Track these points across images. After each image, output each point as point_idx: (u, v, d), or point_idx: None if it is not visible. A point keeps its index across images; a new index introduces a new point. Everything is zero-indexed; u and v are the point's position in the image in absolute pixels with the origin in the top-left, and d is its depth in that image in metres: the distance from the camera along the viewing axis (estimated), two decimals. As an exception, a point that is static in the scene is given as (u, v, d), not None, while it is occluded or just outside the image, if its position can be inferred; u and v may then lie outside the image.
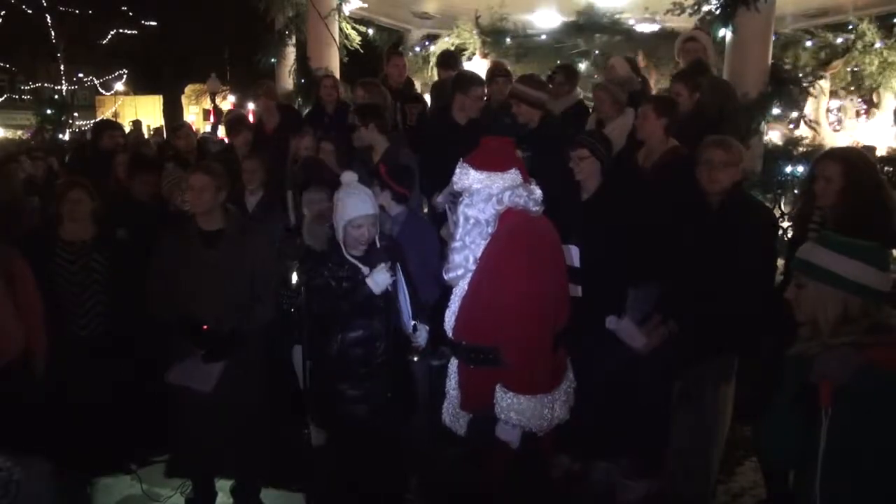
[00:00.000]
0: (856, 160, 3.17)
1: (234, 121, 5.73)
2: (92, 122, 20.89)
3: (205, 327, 3.38)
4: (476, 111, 4.76)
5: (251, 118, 6.48)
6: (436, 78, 6.73)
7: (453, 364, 2.84)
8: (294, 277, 3.64)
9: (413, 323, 3.22)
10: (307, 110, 6.49)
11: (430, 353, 3.42)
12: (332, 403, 3.23)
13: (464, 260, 2.64)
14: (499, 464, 2.69)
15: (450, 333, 2.76)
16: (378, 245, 3.19)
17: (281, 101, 6.43)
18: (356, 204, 3.08)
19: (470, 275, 2.66)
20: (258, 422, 3.61)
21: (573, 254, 3.48)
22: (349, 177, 3.20)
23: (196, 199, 3.45)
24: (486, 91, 5.01)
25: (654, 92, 5.74)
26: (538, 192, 2.67)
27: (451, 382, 2.83)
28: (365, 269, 3.11)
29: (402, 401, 3.28)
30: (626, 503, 3.59)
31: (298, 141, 4.80)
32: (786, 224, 4.70)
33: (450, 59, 6.25)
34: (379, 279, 3.07)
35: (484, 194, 2.60)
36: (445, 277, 2.73)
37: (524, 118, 4.44)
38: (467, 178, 2.63)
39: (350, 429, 3.24)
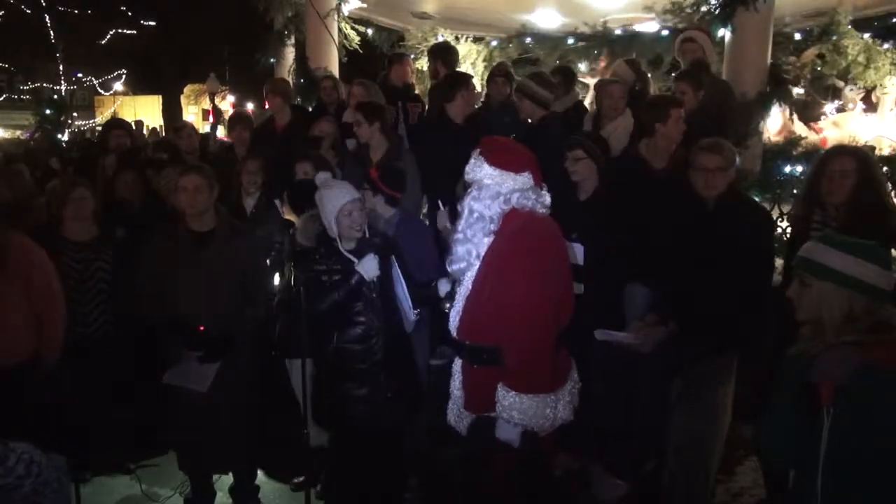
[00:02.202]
0: (868, 157, 3.25)
1: (233, 119, 5.73)
2: (91, 122, 20.90)
3: (201, 328, 3.38)
4: (473, 106, 4.76)
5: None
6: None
7: (457, 364, 2.82)
8: (276, 279, 3.66)
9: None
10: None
11: (431, 353, 3.42)
12: (335, 402, 3.23)
13: (466, 253, 2.63)
14: (500, 464, 2.69)
15: (454, 333, 2.76)
16: (368, 237, 3.22)
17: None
18: (339, 193, 3.15)
19: (472, 269, 2.65)
20: (251, 420, 3.62)
21: (577, 252, 3.48)
22: (324, 176, 3.29)
23: (191, 200, 3.43)
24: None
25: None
26: (548, 198, 2.65)
27: (455, 383, 2.81)
28: (357, 261, 3.14)
29: (405, 398, 3.28)
30: (626, 502, 3.59)
31: (317, 125, 4.82)
32: (784, 224, 4.70)
33: (446, 55, 5.99)
34: (368, 265, 3.10)
35: (493, 191, 2.58)
36: (449, 269, 2.73)
37: (526, 113, 4.42)
38: (480, 170, 2.61)
39: (352, 427, 3.24)
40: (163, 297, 3.41)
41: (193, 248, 3.44)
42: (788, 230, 4.64)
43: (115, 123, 6.12)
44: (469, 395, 2.75)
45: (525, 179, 2.60)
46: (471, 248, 2.62)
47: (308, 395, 3.23)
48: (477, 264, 2.63)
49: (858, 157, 3.17)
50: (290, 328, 3.67)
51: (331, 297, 3.12)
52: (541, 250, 2.58)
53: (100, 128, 17.98)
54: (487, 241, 2.61)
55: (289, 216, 3.69)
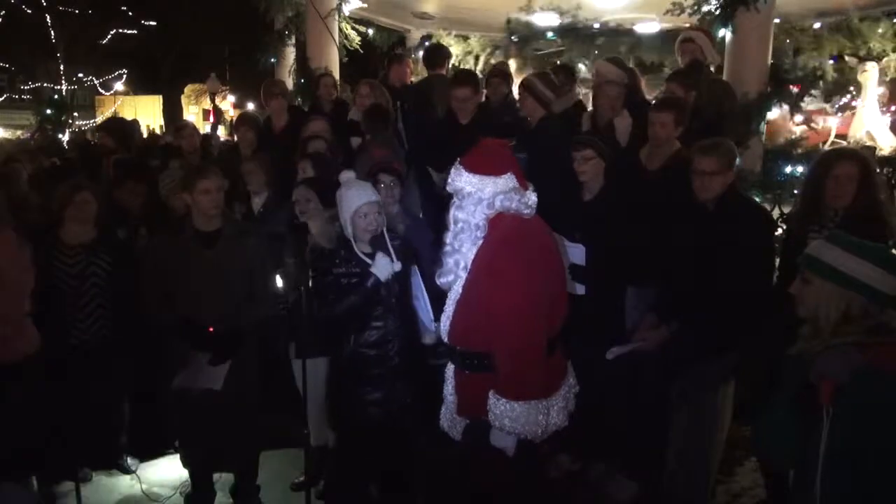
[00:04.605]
0: (869, 160, 3.27)
1: (238, 120, 5.74)
2: (92, 121, 20.88)
3: (210, 329, 3.38)
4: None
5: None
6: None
7: (450, 369, 2.80)
8: (279, 280, 3.65)
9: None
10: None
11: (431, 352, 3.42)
12: (349, 405, 3.21)
13: (454, 264, 2.61)
14: (495, 470, 2.67)
15: (445, 338, 2.73)
16: (388, 242, 3.18)
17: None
18: (357, 194, 3.12)
19: (461, 279, 2.62)
20: (254, 418, 3.62)
21: (580, 252, 3.48)
22: (347, 175, 3.24)
23: (214, 201, 3.44)
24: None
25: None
26: (532, 198, 2.60)
27: (448, 387, 2.79)
28: (372, 262, 3.12)
29: (424, 403, 3.24)
30: (626, 503, 3.59)
31: (312, 125, 4.81)
32: (784, 225, 4.70)
33: (437, 57, 5.93)
34: (381, 265, 3.08)
35: (475, 198, 2.55)
36: (437, 282, 2.71)
37: (526, 111, 4.40)
38: (460, 179, 2.58)
39: (364, 430, 3.22)
40: (170, 297, 3.41)
41: (200, 248, 3.45)
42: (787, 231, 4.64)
43: (100, 125, 6.12)
44: (462, 400, 2.73)
45: (506, 181, 2.55)
46: (458, 258, 2.60)
47: (308, 395, 3.22)
48: (464, 275, 2.60)
49: (861, 161, 3.20)
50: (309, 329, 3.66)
51: (348, 300, 3.09)
52: (529, 253, 2.55)
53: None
54: (476, 248, 2.58)
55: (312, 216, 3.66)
